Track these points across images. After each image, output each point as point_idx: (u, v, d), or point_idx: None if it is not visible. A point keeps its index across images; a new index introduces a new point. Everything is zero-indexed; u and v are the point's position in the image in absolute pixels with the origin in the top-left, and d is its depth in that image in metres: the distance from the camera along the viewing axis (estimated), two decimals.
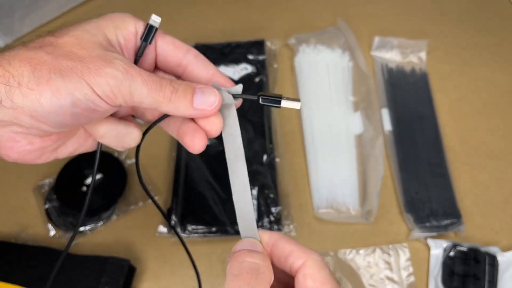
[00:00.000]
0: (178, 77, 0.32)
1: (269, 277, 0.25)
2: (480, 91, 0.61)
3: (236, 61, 0.63)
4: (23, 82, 0.25)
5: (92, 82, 0.26)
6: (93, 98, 0.26)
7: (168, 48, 0.31)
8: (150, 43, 0.30)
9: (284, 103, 0.29)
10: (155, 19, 0.29)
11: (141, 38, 0.30)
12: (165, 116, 0.30)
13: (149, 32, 0.29)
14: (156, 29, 0.29)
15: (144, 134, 0.31)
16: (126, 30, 0.30)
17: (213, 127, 0.29)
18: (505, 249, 0.49)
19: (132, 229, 0.52)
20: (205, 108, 0.28)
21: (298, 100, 0.29)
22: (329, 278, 0.25)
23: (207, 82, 0.31)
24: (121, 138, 0.30)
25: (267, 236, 0.28)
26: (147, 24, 0.29)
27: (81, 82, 0.25)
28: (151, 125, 0.31)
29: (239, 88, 0.30)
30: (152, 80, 0.27)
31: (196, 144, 0.29)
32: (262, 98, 0.29)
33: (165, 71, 0.32)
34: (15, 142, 0.27)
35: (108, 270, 0.47)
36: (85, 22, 0.28)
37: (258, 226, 0.50)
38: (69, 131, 0.30)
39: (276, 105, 0.29)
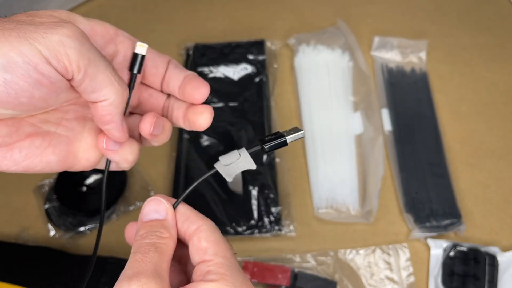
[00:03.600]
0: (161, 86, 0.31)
1: (169, 249, 0.26)
2: (480, 91, 0.61)
3: (236, 61, 0.63)
4: None
5: (39, 40, 0.21)
6: (35, 60, 0.21)
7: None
8: (139, 72, 0.27)
9: (290, 139, 0.27)
10: (141, 47, 0.27)
11: (128, 69, 0.28)
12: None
13: (134, 61, 0.27)
14: (143, 56, 0.27)
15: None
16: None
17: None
18: (505, 249, 0.49)
19: None
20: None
21: (300, 130, 0.27)
22: (222, 239, 0.26)
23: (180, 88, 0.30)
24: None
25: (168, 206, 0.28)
26: (133, 53, 0.27)
27: (20, 41, 0.21)
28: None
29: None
30: (106, 59, 0.25)
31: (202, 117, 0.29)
32: (267, 147, 0.27)
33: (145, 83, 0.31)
34: None
35: (108, 270, 0.47)
36: None
37: (258, 227, 0.51)
38: (14, 126, 0.25)
39: (282, 146, 0.27)
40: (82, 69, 0.23)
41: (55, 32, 0.22)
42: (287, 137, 0.27)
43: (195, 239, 0.26)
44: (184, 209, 0.28)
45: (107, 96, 0.25)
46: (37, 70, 0.22)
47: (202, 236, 0.26)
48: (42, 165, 0.27)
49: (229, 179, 0.27)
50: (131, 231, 0.29)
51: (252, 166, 0.27)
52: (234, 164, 0.27)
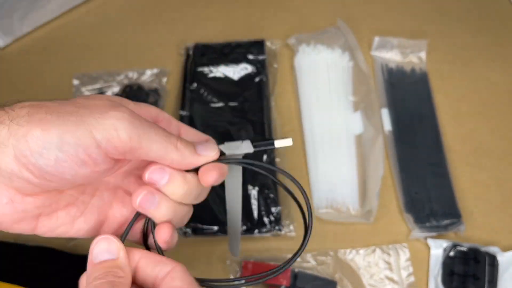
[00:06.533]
0: None
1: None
2: (480, 91, 0.61)
3: (236, 61, 0.63)
4: (15, 120, 0.23)
5: (93, 124, 0.24)
6: (86, 143, 0.24)
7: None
8: None
9: (277, 144, 0.31)
10: None
11: None
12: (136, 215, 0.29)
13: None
14: None
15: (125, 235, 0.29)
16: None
17: (214, 177, 0.29)
18: (505, 249, 0.49)
19: None
20: (208, 154, 0.28)
21: (288, 138, 0.31)
22: (194, 282, 0.27)
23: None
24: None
25: (135, 255, 0.27)
26: None
27: (77, 124, 0.23)
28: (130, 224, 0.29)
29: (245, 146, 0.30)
30: (157, 127, 0.26)
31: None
32: (255, 145, 0.30)
33: None
34: None
35: None
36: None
37: (258, 227, 0.50)
38: (55, 197, 0.27)
39: (270, 147, 0.31)
40: (135, 145, 0.25)
41: (108, 116, 0.24)
42: (275, 141, 0.30)
43: (168, 278, 0.26)
44: (153, 255, 0.28)
45: (171, 159, 0.27)
46: (86, 152, 0.24)
47: (177, 276, 0.26)
48: (74, 232, 0.29)
49: (226, 151, 0.30)
50: (82, 285, 0.27)
51: (250, 149, 0.30)
52: (235, 145, 0.30)
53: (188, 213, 0.30)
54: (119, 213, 0.31)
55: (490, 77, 0.63)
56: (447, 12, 0.70)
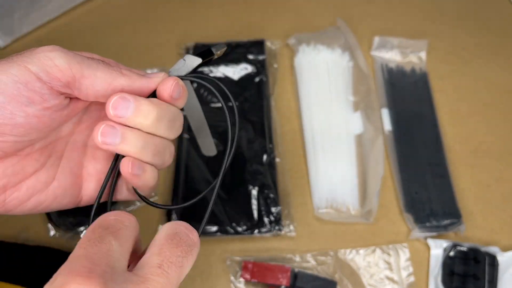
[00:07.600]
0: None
1: (133, 233, 0.24)
2: (480, 91, 0.61)
3: (236, 61, 0.63)
4: None
5: (26, 60, 0.22)
6: (25, 79, 0.22)
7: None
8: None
9: (214, 49, 0.31)
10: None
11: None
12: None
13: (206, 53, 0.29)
14: (213, 55, 0.29)
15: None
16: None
17: (174, 88, 0.27)
18: (505, 249, 0.49)
19: None
20: (157, 75, 0.27)
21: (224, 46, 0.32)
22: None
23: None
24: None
25: None
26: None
27: (9, 64, 0.22)
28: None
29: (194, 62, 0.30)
30: (95, 58, 0.25)
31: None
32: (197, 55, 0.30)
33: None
34: None
35: None
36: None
37: (258, 227, 0.51)
38: (19, 164, 0.25)
39: (210, 55, 0.31)
40: (77, 72, 0.24)
41: (39, 51, 0.23)
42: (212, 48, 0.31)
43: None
44: None
45: (120, 83, 0.25)
46: (27, 87, 0.22)
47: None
48: (50, 201, 0.27)
49: (182, 73, 0.29)
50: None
51: (198, 60, 0.30)
52: (184, 67, 0.29)
53: (167, 147, 0.28)
54: (94, 169, 0.29)
55: (490, 77, 0.63)
56: (447, 12, 0.70)
